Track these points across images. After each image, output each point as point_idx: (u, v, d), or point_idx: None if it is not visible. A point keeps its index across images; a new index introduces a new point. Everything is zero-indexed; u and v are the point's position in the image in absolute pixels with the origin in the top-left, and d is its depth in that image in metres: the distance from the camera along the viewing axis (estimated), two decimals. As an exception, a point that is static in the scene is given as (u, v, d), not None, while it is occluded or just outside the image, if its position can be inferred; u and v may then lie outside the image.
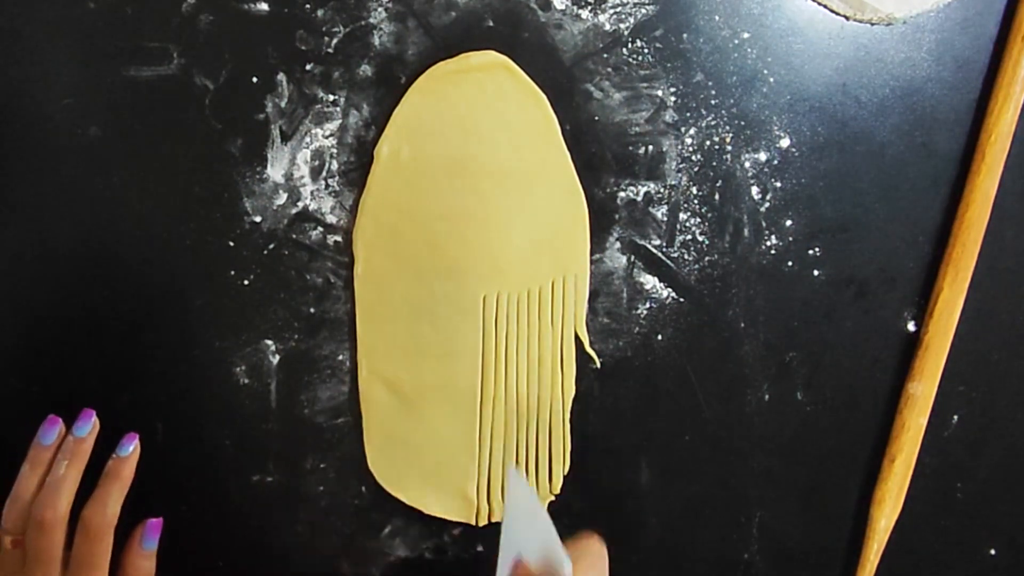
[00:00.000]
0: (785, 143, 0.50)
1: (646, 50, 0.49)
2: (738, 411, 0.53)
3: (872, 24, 0.50)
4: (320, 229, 0.49)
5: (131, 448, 0.46)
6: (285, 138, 0.48)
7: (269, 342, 0.49)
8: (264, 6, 0.47)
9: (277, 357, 0.50)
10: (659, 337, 0.51)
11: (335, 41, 0.48)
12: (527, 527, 0.40)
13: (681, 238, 0.51)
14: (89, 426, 0.46)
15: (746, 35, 0.49)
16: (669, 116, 0.50)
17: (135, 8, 0.47)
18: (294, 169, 0.48)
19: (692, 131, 0.50)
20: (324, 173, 0.49)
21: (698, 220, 0.51)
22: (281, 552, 0.51)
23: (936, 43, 0.50)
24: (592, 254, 0.50)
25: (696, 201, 0.51)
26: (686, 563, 0.54)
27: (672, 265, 0.51)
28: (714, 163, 0.50)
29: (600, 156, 0.50)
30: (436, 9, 0.48)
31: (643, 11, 0.48)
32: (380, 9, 0.47)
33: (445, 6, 0.48)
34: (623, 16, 0.48)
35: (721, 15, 0.49)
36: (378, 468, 0.50)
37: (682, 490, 0.53)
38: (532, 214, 0.49)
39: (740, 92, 0.50)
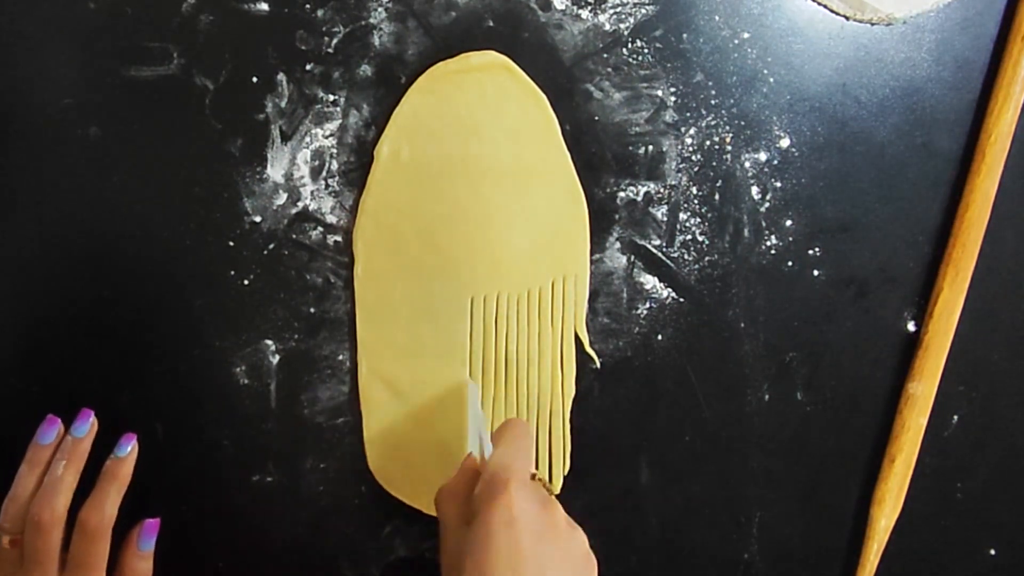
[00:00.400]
0: (785, 143, 0.50)
1: (646, 50, 0.49)
2: (738, 411, 0.53)
3: (872, 24, 0.50)
4: (320, 229, 0.49)
5: (129, 448, 0.46)
6: (285, 138, 0.48)
7: (269, 342, 0.49)
8: (264, 6, 0.47)
9: (277, 357, 0.50)
10: (659, 337, 0.51)
11: (335, 41, 0.48)
12: (474, 430, 0.47)
13: (681, 238, 0.51)
14: (87, 426, 0.46)
15: (746, 35, 0.49)
16: (669, 116, 0.50)
17: (135, 8, 0.47)
18: (294, 169, 0.48)
19: (692, 131, 0.50)
20: (324, 173, 0.49)
21: (698, 220, 0.51)
22: (281, 552, 0.51)
23: (936, 43, 0.50)
24: (592, 254, 0.50)
25: (696, 201, 0.51)
26: (686, 563, 0.54)
27: (672, 265, 0.51)
28: (714, 163, 0.50)
29: (600, 156, 0.50)
30: (436, 9, 0.48)
31: (643, 11, 0.48)
32: (380, 9, 0.47)
33: (445, 6, 0.48)
34: (623, 16, 0.48)
35: (721, 15, 0.49)
36: (378, 468, 0.50)
37: (682, 490, 0.53)
38: (532, 214, 0.49)
39: (740, 92, 0.50)
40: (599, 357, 0.51)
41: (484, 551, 0.38)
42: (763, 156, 0.50)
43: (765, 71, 0.50)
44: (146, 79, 0.47)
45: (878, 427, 0.53)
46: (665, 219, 0.50)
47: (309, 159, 0.48)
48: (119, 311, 0.49)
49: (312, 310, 0.49)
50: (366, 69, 0.48)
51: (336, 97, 0.48)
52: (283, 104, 0.48)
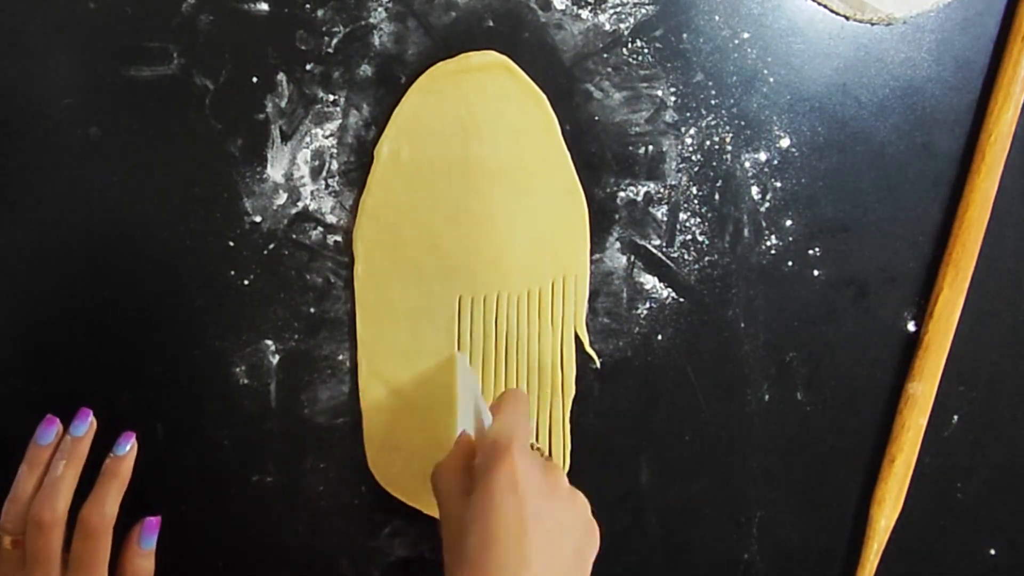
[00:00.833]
0: (785, 143, 0.50)
1: (646, 50, 0.49)
2: (738, 411, 0.53)
3: (872, 24, 0.50)
4: (320, 229, 0.49)
5: (128, 447, 0.46)
6: (285, 138, 0.48)
7: (269, 342, 0.49)
8: (264, 6, 0.47)
9: (277, 357, 0.50)
10: (659, 337, 0.51)
11: (335, 41, 0.48)
12: (467, 404, 0.46)
13: (681, 238, 0.51)
14: (86, 426, 0.46)
15: (746, 35, 0.49)
16: (669, 116, 0.50)
17: (135, 8, 0.47)
18: (294, 169, 0.48)
19: (692, 131, 0.50)
20: (324, 173, 0.49)
21: (698, 220, 0.51)
22: (281, 552, 0.51)
23: (936, 43, 0.50)
24: (592, 254, 0.50)
25: (696, 201, 0.51)
26: (686, 563, 0.54)
27: (672, 265, 0.51)
28: (714, 163, 0.50)
29: (600, 156, 0.50)
30: (436, 9, 0.48)
31: (643, 11, 0.48)
32: (380, 9, 0.47)
33: (445, 6, 0.48)
34: (623, 16, 0.48)
35: (721, 15, 0.49)
36: (378, 468, 0.50)
37: (682, 490, 0.53)
38: (532, 214, 0.49)
39: (740, 92, 0.50)
40: (599, 357, 0.51)
41: (488, 515, 0.38)
42: (763, 156, 0.50)
43: (765, 71, 0.50)
44: (146, 79, 0.47)
45: (878, 427, 0.53)
46: (665, 219, 0.50)
47: (309, 159, 0.48)
48: (119, 311, 0.49)
49: (312, 310, 0.49)
50: (366, 69, 0.48)
51: (336, 97, 0.48)
52: (283, 104, 0.48)
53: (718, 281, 0.51)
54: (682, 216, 0.51)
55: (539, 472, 0.40)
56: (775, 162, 0.50)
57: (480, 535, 0.38)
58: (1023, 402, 0.54)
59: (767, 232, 0.51)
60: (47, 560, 0.43)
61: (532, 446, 0.42)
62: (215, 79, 0.47)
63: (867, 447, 0.54)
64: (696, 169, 0.50)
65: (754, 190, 0.51)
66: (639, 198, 0.50)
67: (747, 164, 0.50)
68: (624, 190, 0.50)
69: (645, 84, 0.49)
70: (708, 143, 0.50)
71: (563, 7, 0.48)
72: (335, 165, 0.49)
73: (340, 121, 0.48)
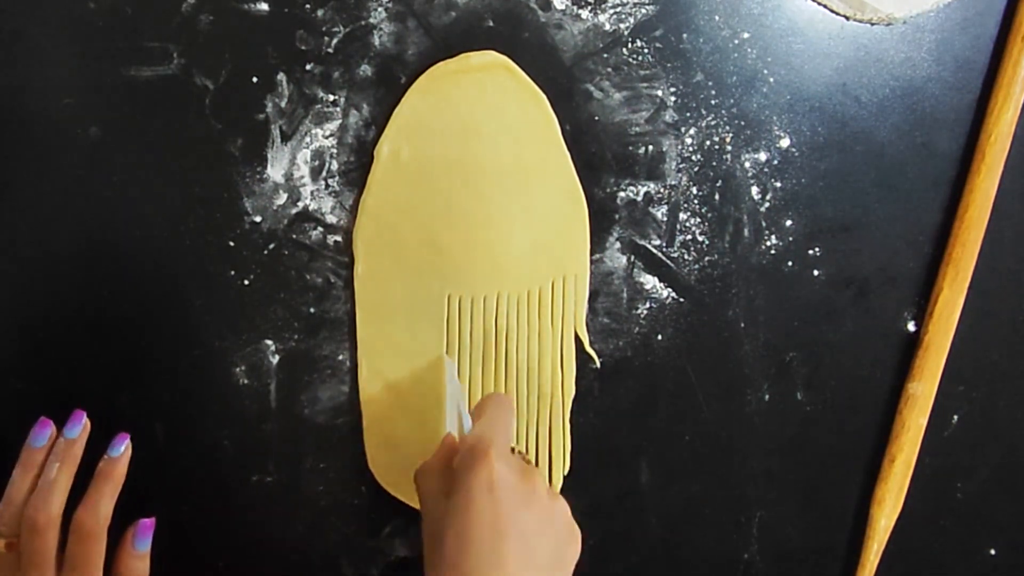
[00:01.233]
0: (785, 143, 0.50)
1: (646, 50, 0.49)
2: (738, 411, 0.53)
3: (872, 24, 0.50)
4: (320, 229, 0.49)
5: (122, 448, 0.46)
6: (285, 138, 0.48)
7: (269, 342, 0.49)
8: (264, 6, 0.47)
9: (277, 357, 0.50)
10: (659, 337, 0.51)
11: (335, 41, 0.48)
12: (452, 407, 0.47)
13: (681, 238, 0.51)
14: (80, 427, 0.46)
15: (746, 35, 0.49)
16: (669, 116, 0.50)
17: (135, 8, 0.47)
18: (294, 169, 0.48)
19: (692, 131, 0.50)
20: (324, 173, 0.49)
21: (698, 220, 0.51)
22: (281, 552, 0.51)
23: (936, 43, 0.50)
24: (592, 254, 0.50)
25: (696, 201, 0.51)
26: (686, 563, 0.54)
27: (672, 265, 0.51)
28: (714, 163, 0.50)
29: (600, 156, 0.50)
30: (436, 9, 0.48)
31: (643, 11, 0.48)
32: (380, 9, 0.47)
33: (445, 6, 0.48)
34: (623, 16, 0.48)
35: (721, 15, 0.49)
36: (378, 468, 0.50)
37: (682, 490, 0.53)
38: (532, 214, 0.49)
39: (740, 92, 0.50)
40: (599, 357, 0.51)
41: (465, 518, 0.38)
42: (763, 156, 0.50)
43: (765, 71, 0.50)
44: (146, 79, 0.47)
45: (878, 427, 0.53)
46: (665, 219, 0.50)
47: (309, 159, 0.48)
48: (119, 311, 0.49)
49: (312, 310, 0.49)
50: (366, 69, 0.48)
51: (336, 97, 0.48)
52: (283, 104, 0.48)
53: (718, 281, 0.51)
54: (682, 216, 0.51)
55: (517, 476, 0.40)
56: (775, 162, 0.50)
57: (457, 536, 0.38)
58: (1023, 402, 0.54)
59: (767, 232, 0.51)
60: (42, 562, 0.43)
61: (513, 450, 0.42)
62: (215, 79, 0.47)
63: (867, 447, 0.54)
64: (696, 169, 0.50)
65: (754, 190, 0.51)
66: (639, 198, 0.50)
67: (747, 164, 0.50)
68: (624, 190, 0.50)
69: (645, 84, 0.49)
70: (708, 143, 0.50)
71: (563, 7, 0.48)
72: (335, 165, 0.49)
73: (340, 121, 0.48)
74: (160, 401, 0.49)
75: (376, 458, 0.50)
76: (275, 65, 0.47)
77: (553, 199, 0.49)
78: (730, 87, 0.50)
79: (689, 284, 0.51)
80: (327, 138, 0.48)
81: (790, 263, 0.51)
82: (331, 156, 0.48)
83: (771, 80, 0.50)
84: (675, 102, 0.49)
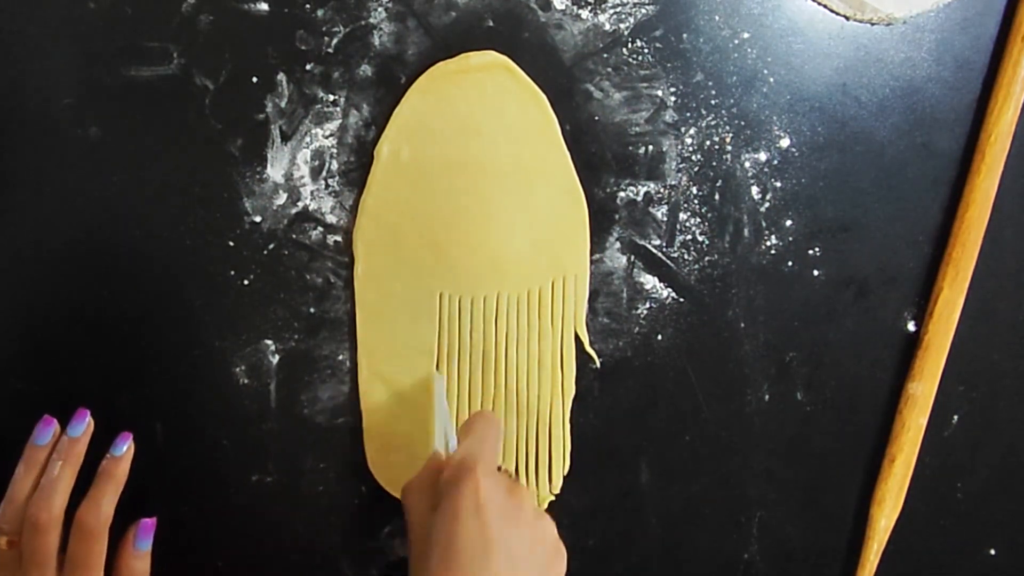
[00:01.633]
0: (785, 143, 0.50)
1: (646, 50, 0.49)
2: (738, 411, 0.53)
3: (872, 24, 0.50)
4: (320, 229, 0.49)
5: (125, 448, 0.46)
6: (285, 138, 0.48)
7: (269, 342, 0.49)
8: (264, 6, 0.47)
9: (277, 357, 0.50)
10: (659, 337, 0.51)
11: (335, 41, 0.48)
12: (440, 424, 0.47)
13: (681, 238, 0.51)
14: (83, 426, 0.46)
15: (746, 35, 0.49)
16: (669, 116, 0.50)
17: (135, 8, 0.47)
18: (294, 169, 0.48)
19: (692, 131, 0.50)
20: (324, 173, 0.49)
21: (698, 220, 0.51)
22: (281, 552, 0.51)
23: (936, 43, 0.50)
24: (592, 254, 0.50)
25: (696, 201, 0.51)
26: (686, 563, 0.54)
27: (672, 265, 0.51)
28: (714, 163, 0.50)
29: (600, 156, 0.50)
30: (436, 9, 0.48)
31: (643, 11, 0.48)
32: (380, 9, 0.47)
33: (445, 6, 0.48)
34: (623, 16, 0.48)
35: (721, 15, 0.49)
36: (378, 468, 0.50)
37: (682, 490, 0.53)
38: (532, 214, 0.49)
39: (740, 92, 0.50)
40: (599, 357, 0.51)
41: (451, 535, 0.38)
42: (763, 156, 0.50)
43: (765, 71, 0.50)
44: (146, 79, 0.47)
45: (878, 427, 0.53)
46: (665, 219, 0.50)
47: (309, 159, 0.48)
48: (119, 311, 0.49)
49: (312, 310, 0.49)
50: (366, 69, 0.48)
51: (336, 97, 0.48)
52: (283, 104, 0.48)
53: (718, 281, 0.51)
54: (682, 216, 0.51)
55: (503, 493, 0.40)
56: (775, 162, 0.50)
57: (443, 554, 0.38)
58: (1023, 402, 0.54)
59: (767, 232, 0.51)
60: (43, 561, 0.43)
61: (500, 468, 0.42)
62: (215, 79, 0.47)
63: (867, 447, 0.54)
64: (696, 169, 0.50)
65: (754, 190, 0.51)
66: (639, 198, 0.50)
67: (747, 164, 0.50)
68: (624, 190, 0.50)
69: (645, 84, 0.49)
70: (708, 143, 0.50)
71: (563, 7, 0.48)
72: (335, 165, 0.49)
73: (340, 121, 0.48)
74: (160, 401, 0.49)
75: (376, 458, 0.50)
76: (275, 65, 0.47)
77: (553, 199, 0.49)
78: (730, 87, 0.50)
79: (689, 284, 0.51)
80: (327, 138, 0.48)
81: (790, 263, 0.51)
82: (331, 156, 0.48)
83: (771, 80, 0.50)
84: (675, 102, 0.49)
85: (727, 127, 0.50)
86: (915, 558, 0.55)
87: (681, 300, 0.51)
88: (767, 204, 0.51)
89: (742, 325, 0.52)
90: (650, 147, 0.50)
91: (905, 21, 0.50)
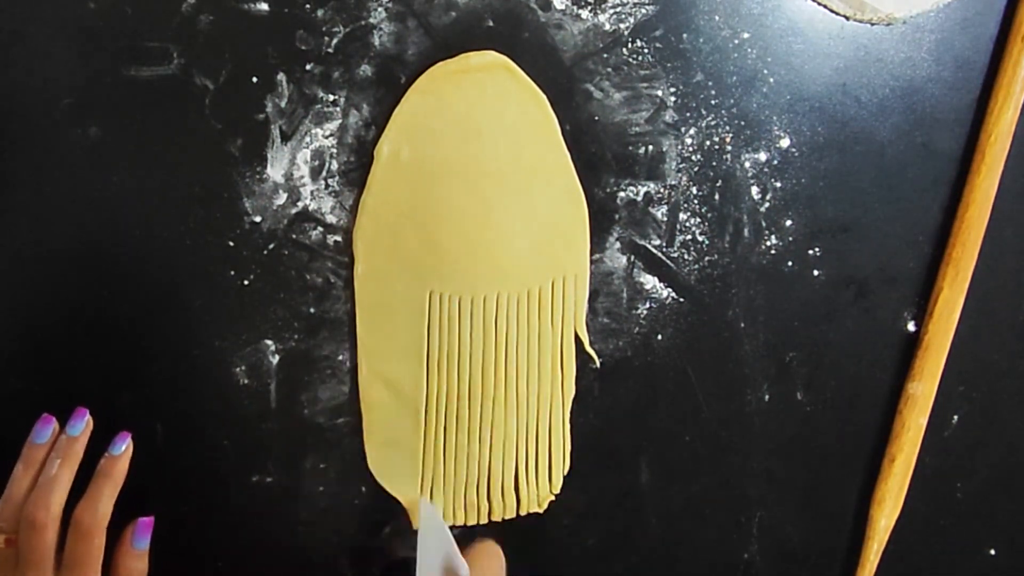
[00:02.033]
0: (785, 143, 0.50)
1: (646, 50, 0.49)
2: (738, 411, 0.53)
3: (872, 24, 0.50)
4: (320, 229, 0.49)
5: (123, 447, 0.46)
6: (285, 138, 0.48)
7: (269, 342, 0.49)
8: (264, 6, 0.47)
9: (277, 357, 0.50)
10: (659, 337, 0.51)
11: (335, 41, 0.48)
12: (436, 553, 0.46)
13: (681, 238, 0.51)
14: (82, 425, 0.46)
15: (746, 35, 0.49)
16: (669, 116, 0.50)
17: (135, 8, 0.47)
18: (294, 169, 0.48)
19: (692, 131, 0.50)
20: (324, 173, 0.49)
21: (698, 220, 0.51)
22: (281, 552, 0.51)
23: (936, 43, 0.50)
24: (592, 254, 0.50)
25: (696, 201, 0.51)
26: (686, 563, 0.54)
27: (672, 265, 0.51)
28: (714, 163, 0.50)
29: (600, 156, 0.50)
30: (436, 9, 0.48)
31: (643, 11, 0.48)
32: (380, 9, 0.47)
33: (445, 6, 0.48)
34: (623, 16, 0.48)
35: (721, 15, 0.49)
36: (378, 468, 0.50)
37: (682, 490, 0.53)
38: (532, 214, 0.49)
39: (740, 92, 0.50)
40: (599, 357, 0.51)
41: None
42: (763, 156, 0.50)
43: (765, 71, 0.50)
44: (146, 79, 0.47)
45: (878, 427, 0.53)
46: (665, 219, 0.50)
47: (309, 159, 0.48)
48: (119, 311, 0.49)
49: (312, 310, 0.49)
50: (366, 69, 0.48)
51: (336, 97, 0.48)
52: (283, 104, 0.48)
53: (718, 281, 0.51)
54: (682, 216, 0.51)
55: None
56: (775, 162, 0.50)
57: None
58: (1023, 402, 0.54)
59: (767, 232, 0.51)
60: (41, 559, 0.43)
61: None
62: (215, 79, 0.47)
63: (867, 447, 0.54)
64: (696, 169, 0.50)
65: (754, 190, 0.51)
66: (639, 198, 0.50)
67: (747, 164, 0.50)
68: (624, 190, 0.50)
69: (645, 84, 0.49)
70: (708, 143, 0.50)
71: (563, 7, 0.48)
72: (335, 165, 0.49)
73: (340, 121, 0.48)
74: (160, 401, 0.49)
75: (376, 458, 0.50)
76: (275, 65, 0.47)
77: (553, 199, 0.49)
78: (730, 87, 0.50)
79: (689, 284, 0.51)
80: (327, 138, 0.48)
81: (790, 263, 0.51)
82: (331, 156, 0.48)
83: (771, 80, 0.50)
84: (675, 102, 0.49)
85: (727, 127, 0.50)
86: (915, 558, 0.55)
87: (681, 300, 0.51)
88: (767, 204, 0.51)
89: (742, 325, 0.52)
90: (650, 147, 0.50)
91: (905, 21, 0.50)
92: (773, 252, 0.51)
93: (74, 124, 0.47)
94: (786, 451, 0.53)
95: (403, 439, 0.50)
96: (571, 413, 0.51)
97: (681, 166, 0.50)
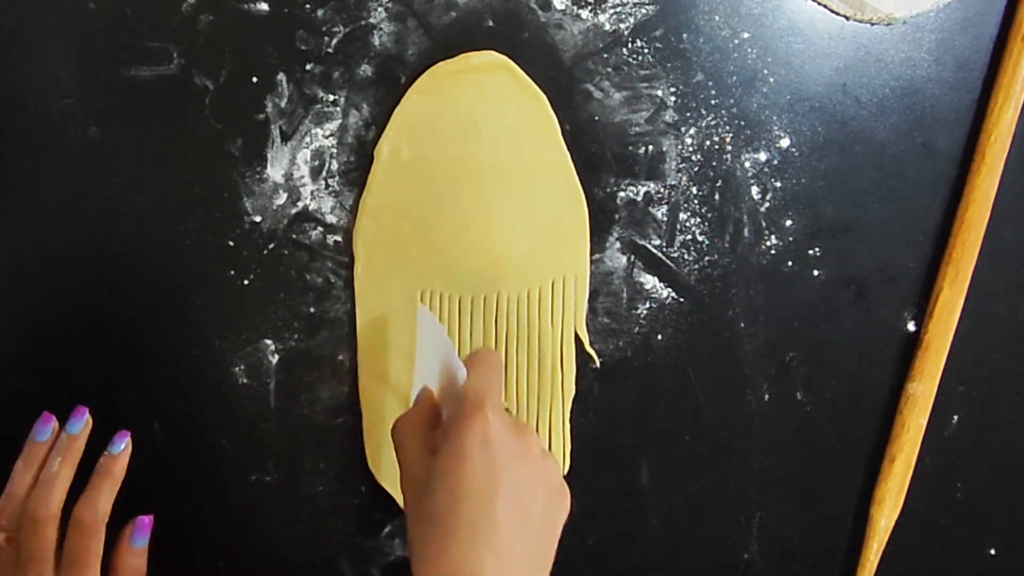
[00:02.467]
0: (785, 143, 0.50)
1: (646, 50, 0.49)
2: (738, 411, 0.53)
3: (872, 24, 0.50)
4: (320, 229, 0.49)
5: (122, 446, 0.46)
6: (285, 138, 0.48)
7: (269, 342, 0.49)
8: (264, 6, 0.47)
9: (277, 357, 0.50)
10: (659, 337, 0.51)
11: (335, 41, 0.48)
12: (432, 357, 0.44)
13: (681, 238, 0.51)
14: (82, 423, 0.46)
15: (746, 35, 0.49)
16: (669, 116, 0.50)
17: (135, 8, 0.47)
18: (294, 169, 0.48)
19: (692, 131, 0.50)
20: (324, 173, 0.49)
21: (698, 220, 0.51)
22: (281, 552, 0.51)
23: (936, 43, 0.50)
24: (592, 254, 0.50)
25: (696, 201, 0.51)
26: (686, 563, 0.54)
27: (672, 265, 0.51)
28: (714, 163, 0.50)
29: (600, 156, 0.50)
30: (436, 9, 0.48)
31: (643, 11, 0.48)
32: (380, 9, 0.47)
33: (445, 6, 0.48)
34: (623, 16, 0.48)
35: (721, 15, 0.49)
36: (378, 468, 0.50)
37: (682, 490, 0.53)
38: (532, 214, 0.49)
39: (740, 92, 0.50)
40: (599, 357, 0.51)
41: (458, 472, 0.37)
42: (763, 156, 0.50)
43: (765, 71, 0.50)
44: (146, 79, 0.47)
45: (878, 427, 0.53)
46: (665, 219, 0.50)
47: (309, 159, 0.48)
48: (119, 311, 0.49)
49: (312, 310, 0.49)
50: (366, 69, 0.48)
51: (336, 97, 0.48)
52: (283, 104, 0.48)
53: (718, 281, 0.51)
54: (682, 216, 0.51)
55: (511, 432, 0.39)
56: (775, 162, 0.50)
57: (447, 494, 0.37)
58: (1023, 402, 0.54)
59: (767, 232, 0.51)
60: (41, 557, 0.43)
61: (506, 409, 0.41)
62: (215, 79, 0.47)
63: (867, 447, 0.54)
64: (696, 169, 0.50)
65: (754, 190, 0.51)
66: (639, 198, 0.50)
67: (747, 164, 0.50)
68: (624, 190, 0.50)
69: (645, 84, 0.49)
70: (708, 143, 0.50)
71: (563, 7, 0.48)
72: (335, 165, 0.49)
73: (340, 121, 0.48)
74: (160, 401, 0.49)
75: (376, 458, 0.50)
76: (275, 65, 0.47)
77: (553, 199, 0.49)
78: (730, 87, 0.50)
79: (689, 284, 0.51)
80: (327, 138, 0.48)
81: (790, 263, 0.51)
82: (331, 156, 0.48)
83: (771, 80, 0.50)
84: (675, 102, 0.49)
85: (727, 127, 0.50)
86: (915, 558, 0.55)
87: (681, 300, 0.51)
88: (767, 204, 0.51)
89: (742, 325, 0.52)
90: (650, 147, 0.50)
91: (905, 21, 0.50)
92: (773, 252, 0.51)
93: (74, 124, 0.47)
94: (786, 451, 0.53)
95: (403, 439, 0.50)
96: (571, 413, 0.51)
97: (681, 166, 0.50)
